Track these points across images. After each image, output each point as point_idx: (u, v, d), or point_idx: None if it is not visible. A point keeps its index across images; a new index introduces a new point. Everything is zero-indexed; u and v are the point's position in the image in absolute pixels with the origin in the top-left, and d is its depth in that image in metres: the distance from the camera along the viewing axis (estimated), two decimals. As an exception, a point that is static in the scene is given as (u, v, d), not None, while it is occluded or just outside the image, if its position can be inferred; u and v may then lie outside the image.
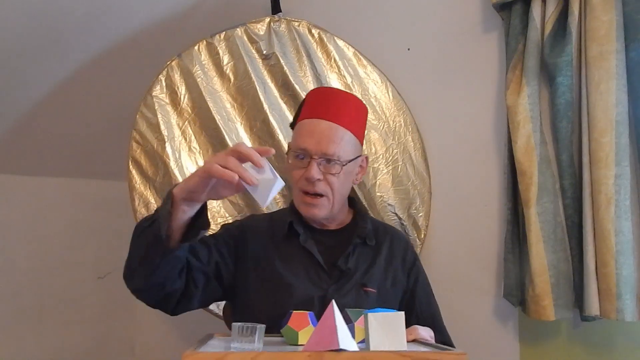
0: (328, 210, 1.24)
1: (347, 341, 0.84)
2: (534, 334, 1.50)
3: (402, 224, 1.63)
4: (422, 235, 1.64)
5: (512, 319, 1.54)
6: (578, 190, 1.38)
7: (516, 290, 1.46)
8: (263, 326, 0.90)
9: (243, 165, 0.97)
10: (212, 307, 1.53)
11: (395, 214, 1.63)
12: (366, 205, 1.62)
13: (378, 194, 1.63)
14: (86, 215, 2.03)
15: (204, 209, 1.04)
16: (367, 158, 1.35)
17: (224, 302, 1.46)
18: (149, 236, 1.02)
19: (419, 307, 1.28)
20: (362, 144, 1.31)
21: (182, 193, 0.99)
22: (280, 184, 0.97)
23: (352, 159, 1.24)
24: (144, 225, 1.05)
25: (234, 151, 0.97)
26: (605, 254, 1.30)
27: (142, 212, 1.55)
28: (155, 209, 1.07)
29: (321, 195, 1.22)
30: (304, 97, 1.37)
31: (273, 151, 1.01)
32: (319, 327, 0.87)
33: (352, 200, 1.39)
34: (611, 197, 1.30)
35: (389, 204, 1.63)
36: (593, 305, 1.31)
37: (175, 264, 1.07)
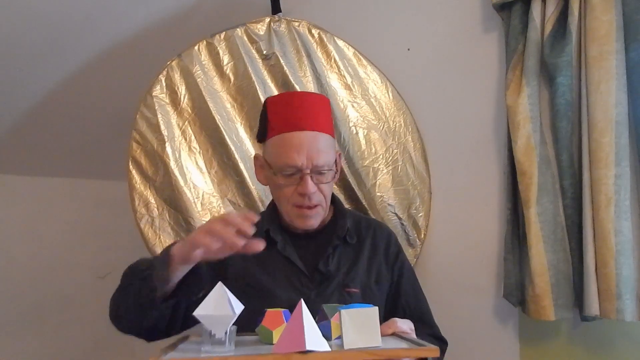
0: (322, 216, 1.24)
1: (315, 341, 0.82)
2: (534, 334, 1.50)
3: (402, 224, 1.63)
4: (422, 235, 1.64)
5: (512, 319, 1.54)
6: (578, 190, 1.38)
7: (516, 290, 1.46)
8: (234, 327, 0.88)
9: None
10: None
11: (395, 214, 1.63)
12: (366, 206, 1.62)
13: (378, 194, 1.63)
14: (86, 215, 2.03)
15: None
16: (340, 154, 1.32)
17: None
18: (142, 291, 1.02)
19: (405, 301, 1.26)
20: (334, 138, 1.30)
21: (179, 258, 1.00)
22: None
23: (335, 160, 1.24)
24: (136, 276, 1.05)
25: (221, 219, 1.00)
26: (605, 254, 1.29)
27: (142, 212, 1.55)
28: (151, 255, 1.07)
29: (317, 206, 1.21)
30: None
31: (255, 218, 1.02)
32: (287, 328, 0.85)
33: (332, 197, 1.36)
34: (611, 197, 1.30)
35: (389, 204, 1.63)
36: (593, 305, 1.31)
37: (164, 313, 1.07)
